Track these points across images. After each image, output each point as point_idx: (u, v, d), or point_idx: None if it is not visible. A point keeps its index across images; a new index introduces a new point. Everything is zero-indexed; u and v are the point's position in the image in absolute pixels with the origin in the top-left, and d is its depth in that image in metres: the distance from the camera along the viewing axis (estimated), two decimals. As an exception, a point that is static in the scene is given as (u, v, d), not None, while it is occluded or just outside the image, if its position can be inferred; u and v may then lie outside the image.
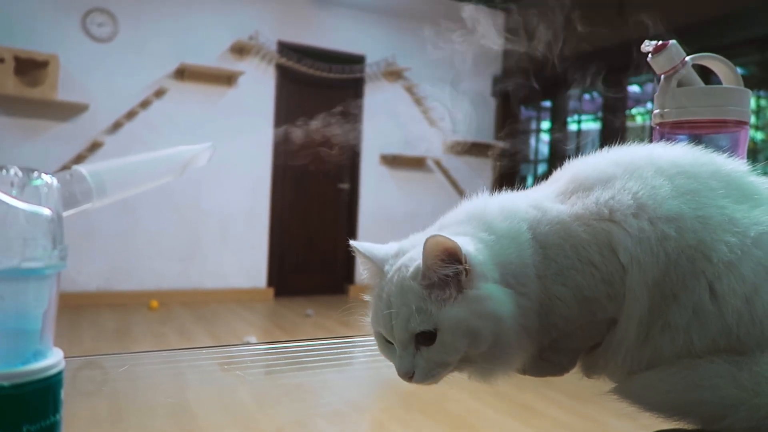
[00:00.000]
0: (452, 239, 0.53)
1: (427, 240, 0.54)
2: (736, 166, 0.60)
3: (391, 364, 0.57)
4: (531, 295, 0.57)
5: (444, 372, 0.56)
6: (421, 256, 0.55)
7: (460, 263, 0.54)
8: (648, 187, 0.57)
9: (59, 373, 0.33)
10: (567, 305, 0.58)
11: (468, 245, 0.56)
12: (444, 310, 0.55)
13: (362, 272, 0.64)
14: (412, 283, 0.56)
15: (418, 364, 0.56)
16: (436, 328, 0.55)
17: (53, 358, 0.33)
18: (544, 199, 0.63)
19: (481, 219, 0.61)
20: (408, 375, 0.56)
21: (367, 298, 0.63)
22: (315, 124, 4.20)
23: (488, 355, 0.55)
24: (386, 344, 0.59)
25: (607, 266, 0.57)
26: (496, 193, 0.66)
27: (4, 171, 0.32)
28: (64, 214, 0.36)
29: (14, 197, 0.31)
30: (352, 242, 0.61)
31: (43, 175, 0.33)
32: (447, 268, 0.55)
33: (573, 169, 0.66)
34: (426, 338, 0.55)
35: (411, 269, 0.56)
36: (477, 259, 0.56)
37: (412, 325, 0.55)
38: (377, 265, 0.60)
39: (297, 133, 5.03)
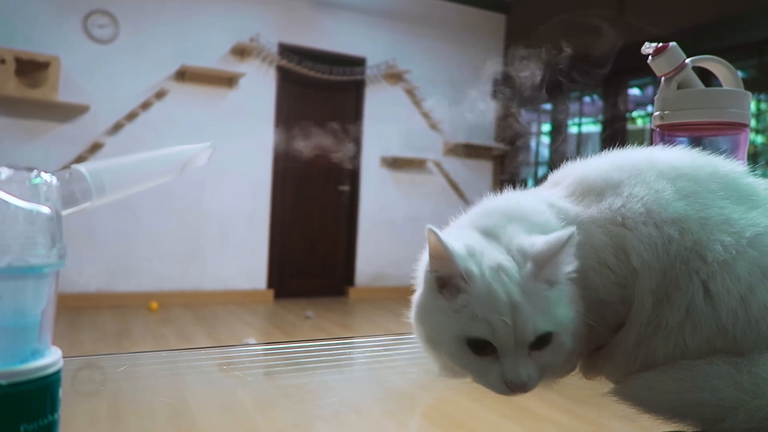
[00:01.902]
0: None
1: (567, 234, 0.52)
2: (734, 167, 0.60)
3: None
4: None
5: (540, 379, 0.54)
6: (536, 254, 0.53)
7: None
8: (652, 191, 0.58)
9: (57, 372, 0.33)
10: (586, 308, 0.58)
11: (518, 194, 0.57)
12: (560, 310, 0.54)
13: (428, 269, 0.55)
14: (536, 282, 0.53)
15: (532, 370, 0.52)
16: (556, 330, 0.53)
17: (51, 357, 0.33)
18: (556, 199, 0.63)
19: (525, 217, 0.59)
20: (528, 386, 0.52)
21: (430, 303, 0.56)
22: (315, 125, 4.21)
23: (565, 353, 0.55)
24: (473, 355, 0.53)
25: (621, 269, 0.58)
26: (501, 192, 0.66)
27: (3, 170, 0.32)
28: (64, 212, 0.36)
29: (13, 196, 0.31)
30: (430, 227, 0.52)
31: (43, 174, 0.33)
32: (559, 264, 0.53)
33: (575, 172, 0.66)
34: (541, 342, 0.52)
35: (523, 252, 0.54)
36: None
37: (540, 326, 0.52)
38: (458, 262, 0.53)
39: (297, 135, 5.04)
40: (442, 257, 0.53)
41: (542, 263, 0.53)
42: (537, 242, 0.54)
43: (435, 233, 0.52)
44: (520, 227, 0.58)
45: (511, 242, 0.56)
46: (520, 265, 0.54)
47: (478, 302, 0.52)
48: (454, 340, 0.53)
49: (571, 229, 0.53)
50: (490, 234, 0.58)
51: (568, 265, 0.55)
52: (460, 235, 0.58)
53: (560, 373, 0.64)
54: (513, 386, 0.52)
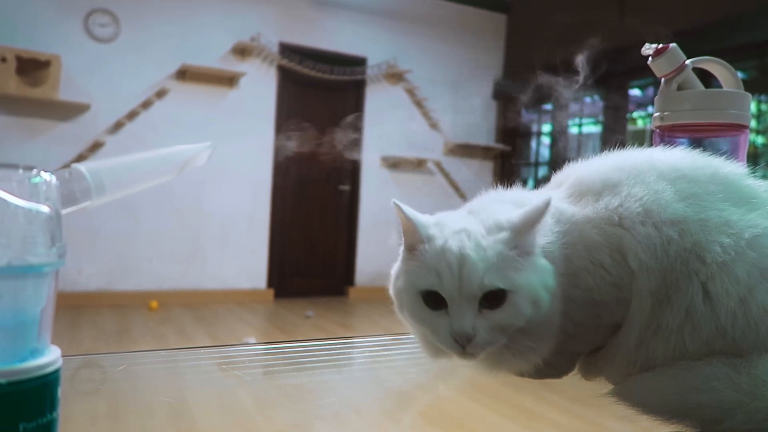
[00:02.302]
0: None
1: (544, 203, 0.54)
2: (734, 169, 0.60)
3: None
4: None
5: (497, 344, 0.54)
6: (496, 221, 0.55)
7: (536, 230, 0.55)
8: (652, 191, 0.58)
9: (56, 371, 0.33)
10: (579, 308, 0.58)
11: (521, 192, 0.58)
12: (520, 272, 0.54)
13: (395, 237, 0.60)
14: (495, 242, 0.54)
15: (479, 326, 0.53)
16: (510, 289, 0.53)
17: (51, 356, 0.33)
18: (555, 200, 0.63)
19: (518, 203, 0.60)
20: (468, 337, 0.52)
21: (399, 264, 0.59)
22: (316, 125, 4.21)
23: (537, 328, 0.55)
24: (426, 309, 0.55)
25: (617, 270, 0.58)
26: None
27: (3, 169, 0.32)
28: (63, 212, 0.36)
29: (13, 195, 0.31)
30: (395, 201, 0.58)
31: (42, 173, 0.33)
32: (533, 234, 0.55)
33: (576, 172, 0.66)
34: (492, 300, 0.53)
35: (489, 222, 0.56)
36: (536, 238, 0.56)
37: (489, 281, 0.52)
38: (419, 228, 0.57)
39: (298, 135, 5.04)
40: (407, 226, 0.57)
41: (520, 231, 0.55)
42: (513, 214, 0.56)
43: (398, 206, 0.57)
44: (508, 208, 0.59)
45: (489, 216, 0.58)
46: (490, 233, 0.55)
47: (431, 255, 0.55)
48: (412, 294, 0.56)
49: (547, 198, 0.54)
50: (474, 211, 0.60)
51: (543, 237, 0.56)
52: (448, 214, 0.60)
53: (560, 373, 0.64)
54: (459, 338, 0.53)
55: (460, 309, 0.53)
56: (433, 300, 0.55)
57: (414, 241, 0.57)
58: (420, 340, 0.60)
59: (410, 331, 0.60)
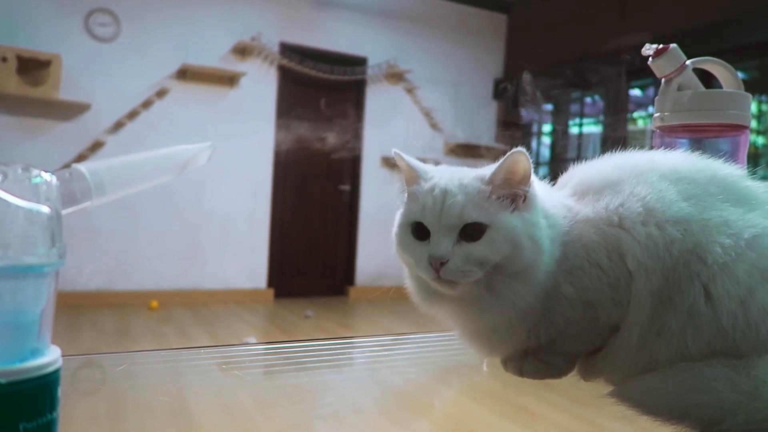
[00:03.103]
0: (531, 163, 0.58)
1: (512, 154, 0.57)
2: (732, 171, 0.61)
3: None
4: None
5: (472, 276, 0.56)
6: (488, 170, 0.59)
7: (526, 188, 0.58)
8: (655, 191, 0.58)
9: (56, 371, 0.34)
10: (571, 305, 0.59)
11: (534, 178, 0.61)
12: (501, 213, 0.57)
13: (396, 182, 0.67)
14: (476, 181, 0.59)
15: (455, 254, 0.56)
16: (489, 225, 0.56)
17: (51, 356, 0.33)
18: (563, 196, 0.64)
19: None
20: (441, 260, 0.56)
21: (404, 197, 0.64)
22: (316, 125, 4.21)
23: (516, 277, 0.57)
24: (413, 239, 0.60)
25: (614, 271, 0.58)
26: None
27: (3, 169, 0.32)
28: (63, 212, 0.36)
29: (13, 195, 0.31)
30: (395, 150, 0.64)
31: (43, 173, 0.33)
32: (511, 186, 0.58)
33: (579, 173, 0.67)
34: (471, 234, 0.57)
35: (477, 172, 0.60)
36: (535, 190, 0.60)
37: (467, 213, 0.57)
38: (418, 171, 0.63)
39: (298, 135, 5.04)
40: (407, 170, 0.63)
41: (495, 175, 0.59)
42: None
43: (399, 153, 0.64)
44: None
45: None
46: (475, 178, 0.60)
47: (422, 191, 0.60)
48: (404, 228, 0.61)
49: (517, 149, 0.57)
50: None
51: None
52: (447, 167, 0.66)
53: (559, 373, 0.65)
54: (433, 261, 0.56)
55: (439, 237, 0.57)
56: (420, 231, 0.59)
57: (412, 182, 0.63)
58: (411, 286, 0.64)
59: (406, 277, 0.65)
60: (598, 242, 0.59)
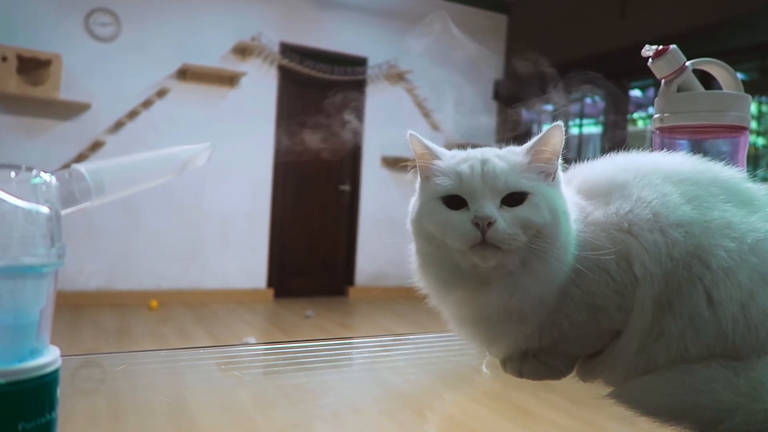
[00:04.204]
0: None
1: (553, 127, 0.58)
2: (733, 173, 0.61)
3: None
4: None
5: (516, 241, 0.55)
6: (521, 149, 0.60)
7: (556, 163, 0.59)
8: (660, 194, 0.58)
9: (55, 371, 0.34)
10: (577, 308, 0.59)
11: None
12: (542, 183, 0.58)
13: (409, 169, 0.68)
14: (513, 153, 0.60)
15: (502, 216, 0.56)
16: (531, 192, 0.57)
17: (50, 356, 0.33)
18: (574, 194, 0.64)
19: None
20: (489, 219, 0.55)
21: (438, 168, 0.63)
22: (316, 125, 4.21)
23: (556, 249, 0.57)
24: (448, 210, 0.58)
25: (621, 277, 0.58)
26: None
27: (3, 169, 0.32)
28: (63, 212, 0.36)
29: (13, 195, 0.31)
30: (411, 131, 0.64)
31: (42, 174, 0.33)
32: (545, 160, 0.59)
33: (581, 173, 0.67)
34: (513, 201, 0.57)
35: (508, 148, 0.62)
36: (561, 175, 0.61)
37: (511, 179, 0.57)
38: (435, 152, 0.63)
39: (298, 135, 5.04)
40: (421, 151, 0.63)
41: (530, 149, 0.60)
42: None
43: (414, 134, 0.64)
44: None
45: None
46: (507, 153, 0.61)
47: (451, 163, 0.60)
48: (431, 205, 0.60)
49: (557, 123, 0.58)
50: None
51: (551, 158, 0.60)
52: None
53: (558, 375, 0.65)
54: (480, 221, 0.55)
55: (483, 200, 0.56)
56: (454, 202, 0.58)
57: (427, 162, 0.62)
58: (426, 271, 0.63)
59: (416, 267, 0.65)
60: (608, 248, 0.59)
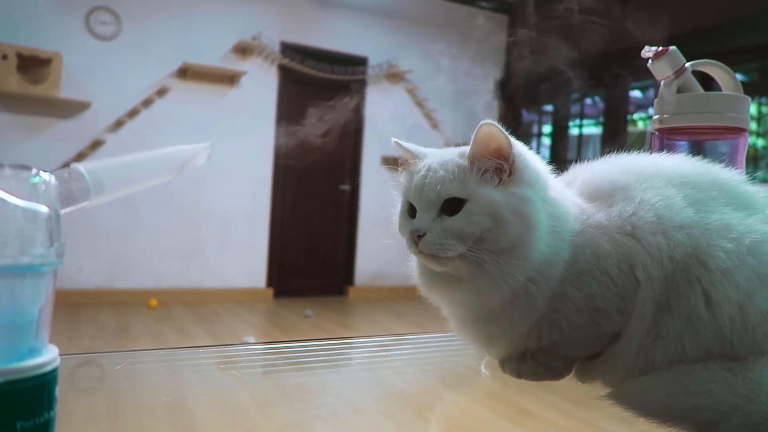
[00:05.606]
0: (506, 134, 0.57)
1: (480, 126, 0.57)
2: (732, 175, 0.61)
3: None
4: (552, 279, 0.58)
5: (451, 249, 0.56)
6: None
7: (507, 161, 0.58)
8: (663, 197, 0.58)
9: (54, 370, 0.34)
10: (577, 310, 0.58)
11: (523, 148, 0.61)
12: (481, 187, 0.58)
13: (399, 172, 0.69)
14: (456, 157, 0.60)
15: (433, 227, 0.57)
16: (467, 198, 0.57)
17: (48, 355, 0.33)
18: (575, 195, 0.64)
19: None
20: (419, 232, 0.58)
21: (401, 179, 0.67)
22: (316, 125, 4.20)
23: (504, 254, 0.56)
24: (407, 217, 0.62)
25: (623, 281, 0.58)
26: None
27: (2, 168, 0.32)
28: (62, 211, 0.36)
29: (12, 194, 0.31)
30: (395, 139, 0.67)
31: (41, 173, 0.33)
32: (489, 159, 0.58)
33: (582, 174, 0.67)
34: (452, 208, 0.58)
35: (458, 149, 0.61)
36: (528, 166, 0.59)
37: (445, 187, 0.58)
38: (416, 155, 0.65)
39: (298, 134, 5.04)
40: (406, 155, 0.66)
41: (469, 155, 0.59)
42: None
43: (398, 141, 0.67)
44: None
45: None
46: (459, 155, 0.61)
47: (414, 174, 0.63)
48: (401, 207, 0.64)
49: (485, 121, 0.57)
50: None
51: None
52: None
53: (557, 376, 0.65)
54: (412, 233, 0.58)
55: (421, 213, 0.59)
56: (411, 210, 0.62)
57: (411, 166, 0.65)
58: (414, 269, 0.66)
59: (415, 273, 0.67)
60: (610, 251, 0.58)
